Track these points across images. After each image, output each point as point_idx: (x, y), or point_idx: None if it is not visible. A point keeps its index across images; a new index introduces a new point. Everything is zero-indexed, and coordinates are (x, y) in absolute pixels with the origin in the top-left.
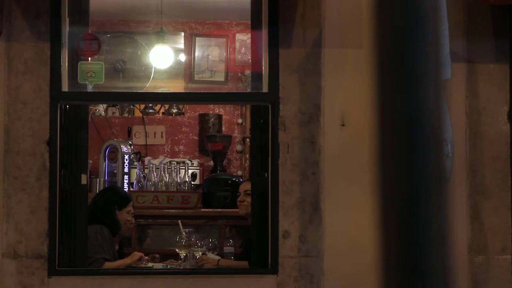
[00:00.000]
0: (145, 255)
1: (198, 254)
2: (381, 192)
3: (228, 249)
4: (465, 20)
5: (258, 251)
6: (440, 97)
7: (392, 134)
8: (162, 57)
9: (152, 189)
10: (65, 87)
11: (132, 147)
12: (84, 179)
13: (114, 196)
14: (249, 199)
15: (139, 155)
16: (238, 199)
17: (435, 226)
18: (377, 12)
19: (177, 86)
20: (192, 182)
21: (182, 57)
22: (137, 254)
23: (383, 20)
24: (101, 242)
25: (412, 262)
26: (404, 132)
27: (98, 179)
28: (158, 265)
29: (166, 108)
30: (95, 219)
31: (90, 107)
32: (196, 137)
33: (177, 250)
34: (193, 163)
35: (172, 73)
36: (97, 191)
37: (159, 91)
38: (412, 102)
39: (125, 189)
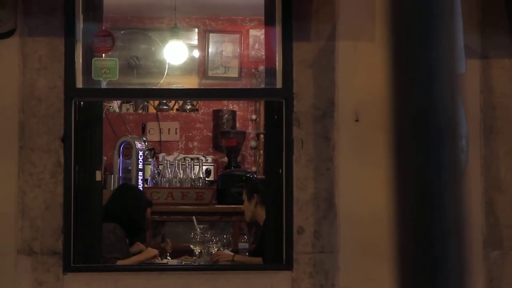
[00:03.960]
0: (156, 247)
1: (214, 250)
2: (396, 187)
3: (242, 245)
4: (479, 14)
5: (272, 247)
6: (455, 91)
7: (407, 129)
8: (176, 53)
9: (167, 186)
10: (79, 84)
11: (146, 143)
12: (98, 176)
13: (145, 197)
14: (244, 207)
15: (153, 151)
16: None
17: (451, 220)
18: (392, 6)
19: (191, 82)
20: (206, 178)
21: (196, 53)
22: (151, 251)
23: (398, 14)
24: (114, 241)
25: (428, 256)
26: (419, 126)
27: (112, 176)
28: (173, 262)
29: (180, 104)
30: (115, 217)
31: (104, 103)
32: (210, 133)
33: (191, 246)
34: (207, 159)
35: (186, 69)
36: (112, 188)
37: (173, 87)
38: (427, 96)
39: (139, 186)
